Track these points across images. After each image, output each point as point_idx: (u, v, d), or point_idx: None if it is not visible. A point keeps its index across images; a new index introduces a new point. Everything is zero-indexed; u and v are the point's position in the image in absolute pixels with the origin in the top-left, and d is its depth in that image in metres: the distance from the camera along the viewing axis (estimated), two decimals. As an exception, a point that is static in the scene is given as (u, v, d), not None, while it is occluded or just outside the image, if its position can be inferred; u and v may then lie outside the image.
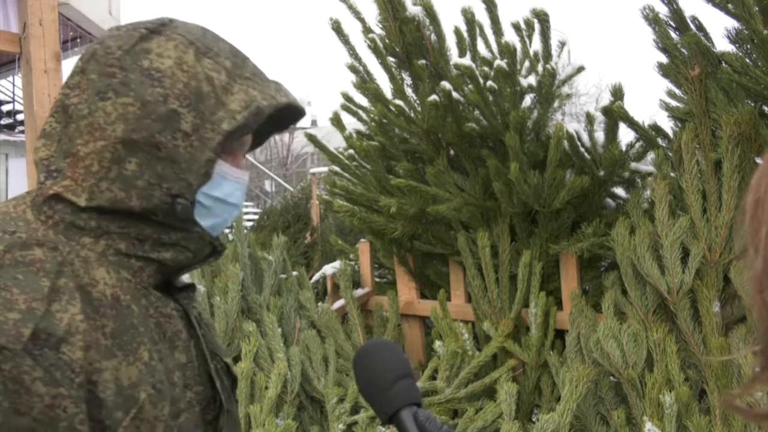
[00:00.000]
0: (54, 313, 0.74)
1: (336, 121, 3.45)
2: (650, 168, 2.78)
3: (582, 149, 2.83)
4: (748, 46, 2.45)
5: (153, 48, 0.83)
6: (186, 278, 1.14)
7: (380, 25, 3.08)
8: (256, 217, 8.79)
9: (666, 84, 2.71)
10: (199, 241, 0.88)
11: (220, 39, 0.90)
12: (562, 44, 3.01)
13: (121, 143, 0.81)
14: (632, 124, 2.78)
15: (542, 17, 2.86)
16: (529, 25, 3.00)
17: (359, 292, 3.53)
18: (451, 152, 3.16)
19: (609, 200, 3.05)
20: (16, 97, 12.26)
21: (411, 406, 0.85)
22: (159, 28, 0.86)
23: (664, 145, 2.78)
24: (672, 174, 2.61)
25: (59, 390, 0.71)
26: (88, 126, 0.81)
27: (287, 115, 0.99)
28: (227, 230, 5.28)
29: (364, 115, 3.43)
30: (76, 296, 0.76)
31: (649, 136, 2.80)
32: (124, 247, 0.83)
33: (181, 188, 0.82)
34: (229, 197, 0.89)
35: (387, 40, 3.08)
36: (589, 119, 2.85)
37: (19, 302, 0.72)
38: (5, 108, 12.60)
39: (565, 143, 2.75)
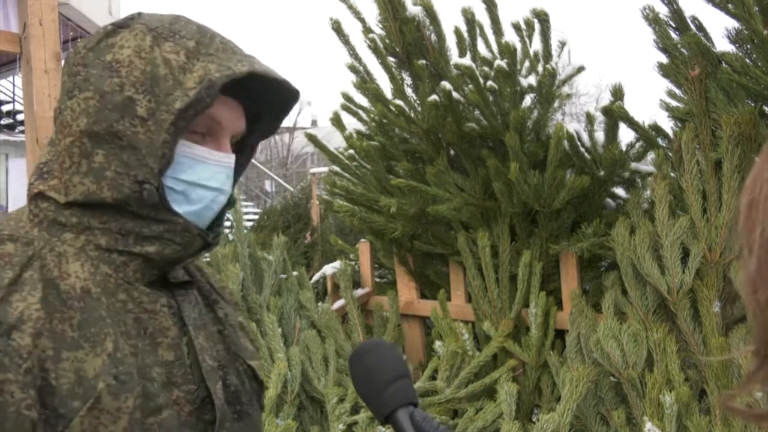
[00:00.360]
0: (11, 303, 0.76)
1: (336, 121, 3.45)
2: (650, 168, 2.78)
3: (582, 149, 2.83)
4: (748, 46, 2.45)
5: (116, 41, 0.84)
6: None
7: (380, 25, 3.08)
8: (256, 217, 8.79)
9: (666, 84, 2.71)
10: (183, 233, 0.86)
11: (192, 23, 0.88)
12: (562, 44, 3.01)
13: (87, 136, 0.82)
14: (632, 124, 2.78)
15: (542, 17, 2.86)
16: (529, 25, 3.00)
17: (359, 292, 3.53)
18: (451, 152, 3.16)
19: (609, 200, 3.05)
20: (16, 97, 12.27)
21: (407, 406, 0.85)
22: (126, 22, 0.86)
23: (664, 145, 2.78)
24: (672, 174, 2.61)
25: (7, 375, 0.73)
26: (60, 125, 0.84)
27: (281, 95, 0.95)
28: (227, 230, 5.28)
29: (364, 115, 3.43)
30: (38, 287, 0.78)
31: (649, 136, 2.80)
32: (104, 242, 0.84)
33: (145, 174, 0.82)
34: (208, 181, 0.87)
35: (387, 40, 3.08)
36: (589, 119, 2.85)
37: None
38: (5, 108, 12.61)
39: (565, 143, 2.75)
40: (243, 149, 0.99)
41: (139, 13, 0.89)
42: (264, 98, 0.96)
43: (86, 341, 0.79)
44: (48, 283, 0.79)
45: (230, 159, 0.90)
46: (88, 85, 0.83)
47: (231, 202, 0.96)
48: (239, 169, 0.98)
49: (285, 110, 0.98)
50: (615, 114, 2.73)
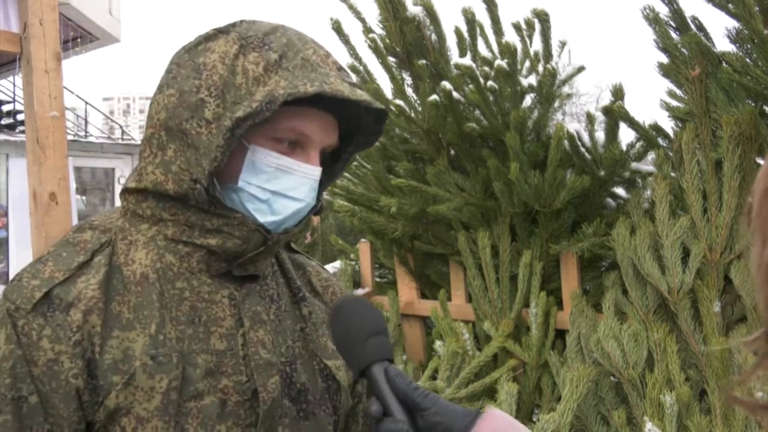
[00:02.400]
0: (76, 283, 0.84)
1: (336, 121, 3.45)
2: (651, 168, 2.78)
3: (582, 149, 2.83)
4: (749, 46, 2.45)
5: (211, 46, 0.88)
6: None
7: (381, 25, 3.08)
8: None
9: (666, 84, 2.71)
10: (241, 227, 0.88)
11: (288, 34, 0.90)
12: (563, 44, 3.01)
13: (164, 130, 0.88)
14: (633, 124, 2.78)
15: (543, 17, 2.86)
16: (529, 25, 3.00)
17: (359, 292, 3.53)
18: (452, 152, 3.16)
19: (609, 200, 3.05)
20: (16, 97, 12.27)
21: (383, 362, 0.85)
22: (227, 27, 0.91)
23: (664, 145, 2.78)
24: (672, 174, 2.60)
25: (61, 347, 0.81)
26: (147, 117, 0.91)
27: (374, 111, 0.96)
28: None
29: (364, 115, 3.43)
30: (102, 271, 0.86)
31: (649, 136, 2.80)
32: (171, 233, 0.89)
33: (198, 173, 0.86)
34: (291, 191, 0.89)
35: (387, 40, 3.08)
36: (590, 119, 2.84)
37: (45, 272, 0.85)
38: (6, 108, 12.61)
39: (566, 143, 2.75)
40: (339, 158, 1.01)
41: (242, 21, 0.92)
42: (356, 113, 0.97)
43: (138, 323, 0.85)
44: (113, 268, 0.87)
45: (316, 171, 0.91)
46: (174, 83, 0.88)
47: (320, 209, 0.99)
48: (333, 177, 1.01)
49: (378, 125, 0.99)
50: (615, 114, 2.73)
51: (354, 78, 3.43)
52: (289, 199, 0.90)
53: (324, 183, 0.98)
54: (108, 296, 0.85)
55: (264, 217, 0.89)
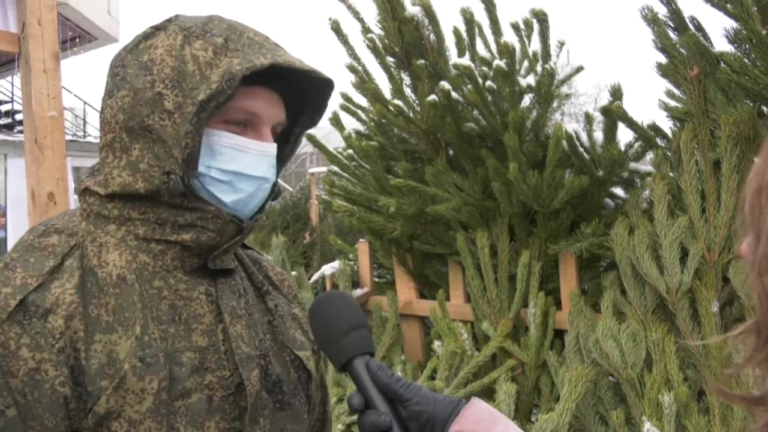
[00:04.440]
0: (50, 288, 0.82)
1: (335, 121, 3.45)
2: (649, 168, 2.79)
3: (581, 149, 2.84)
4: (747, 46, 2.46)
5: (153, 42, 0.88)
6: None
7: (379, 25, 3.08)
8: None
9: (665, 84, 2.71)
10: (215, 219, 0.89)
11: (225, 21, 0.91)
12: (561, 44, 3.01)
13: (125, 131, 0.87)
14: (631, 124, 2.78)
15: (541, 17, 2.86)
16: (528, 25, 3.00)
17: (358, 292, 3.53)
18: (450, 152, 3.16)
19: (608, 200, 3.05)
20: (15, 97, 12.26)
21: (364, 355, 0.86)
22: (164, 24, 0.91)
23: (663, 145, 2.78)
24: (671, 174, 2.61)
25: (42, 355, 0.79)
26: (102, 123, 0.90)
27: (318, 86, 0.97)
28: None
29: (363, 115, 3.43)
30: (76, 275, 0.84)
31: (648, 136, 2.80)
32: (142, 232, 0.88)
33: (171, 164, 0.85)
34: (251, 170, 0.90)
35: (386, 40, 3.08)
36: (588, 119, 2.85)
37: (17, 279, 0.82)
38: (4, 108, 12.60)
39: (564, 143, 2.75)
40: (287, 140, 1.02)
41: (177, 16, 0.92)
42: (304, 89, 0.98)
43: (120, 325, 0.84)
44: (86, 271, 0.86)
45: (271, 148, 0.93)
46: (124, 84, 0.87)
47: (277, 193, 0.99)
48: (283, 159, 1.01)
49: (323, 100, 1.00)
50: (614, 114, 2.74)
51: (352, 78, 3.43)
52: (249, 177, 0.90)
53: (277, 167, 0.98)
54: (85, 300, 0.83)
55: (228, 197, 0.89)
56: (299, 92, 0.98)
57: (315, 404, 1.12)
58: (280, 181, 1.02)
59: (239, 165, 0.89)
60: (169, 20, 0.91)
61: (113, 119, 0.88)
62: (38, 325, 0.79)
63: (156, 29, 0.90)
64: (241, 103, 0.88)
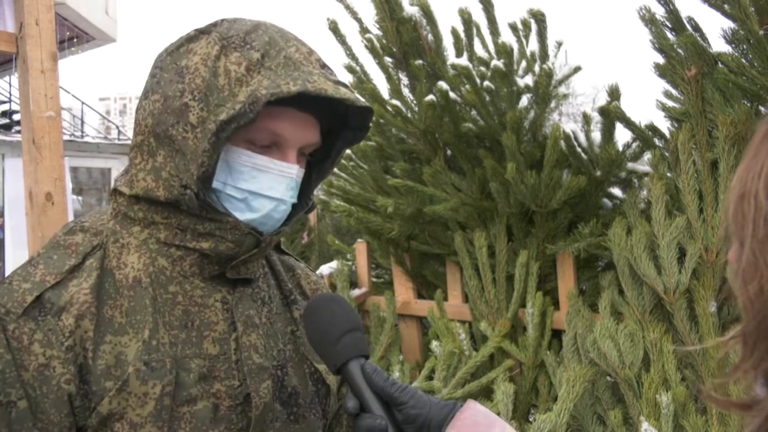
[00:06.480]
0: (67, 287, 0.83)
1: (333, 121, 3.44)
2: (647, 168, 2.79)
3: (579, 149, 2.84)
4: (744, 47, 2.46)
5: (193, 47, 0.87)
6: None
7: (377, 26, 3.07)
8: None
9: (663, 84, 2.72)
10: (234, 231, 0.87)
11: (270, 32, 0.88)
12: (559, 44, 3.01)
13: (153, 136, 0.87)
14: (629, 124, 2.79)
15: (539, 17, 2.86)
16: (526, 25, 3.00)
17: (356, 292, 3.53)
18: (448, 152, 3.16)
19: (606, 200, 3.06)
20: (12, 97, 12.24)
21: (359, 359, 0.86)
22: (208, 27, 0.89)
23: (660, 145, 2.78)
24: (668, 174, 2.61)
25: (52, 352, 0.80)
26: (135, 123, 0.90)
27: (358, 108, 0.94)
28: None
29: (361, 116, 3.42)
30: (93, 275, 0.85)
31: (645, 136, 2.81)
32: (164, 237, 0.88)
33: (187, 179, 0.85)
34: (267, 191, 0.88)
35: (384, 41, 3.08)
36: (586, 119, 2.85)
37: (37, 275, 0.84)
38: (1, 108, 12.59)
39: (562, 143, 2.76)
40: (329, 155, 1.00)
41: (223, 20, 0.90)
42: (343, 109, 0.96)
43: (131, 327, 0.84)
44: (105, 272, 0.86)
45: (292, 169, 0.90)
46: (158, 88, 0.87)
47: (311, 206, 0.98)
48: (323, 174, 0.99)
49: (364, 121, 0.98)
50: (612, 114, 2.74)
51: (350, 78, 3.42)
52: (265, 198, 0.89)
53: (314, 181, 0.97)
54: (100, 300, 0.84)
55: (243, 215, 0.88)
56: (342, 110, 0.96)
57: (341, 416, 1.08)
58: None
59: (257, 185, 0.88)
60: (214, 24, 0.90)
61: (144, 122, 0.88)
62: (51, 322, 0.81)
63: (200, 33, 0.88)
64: (266, 124, 0.86)
